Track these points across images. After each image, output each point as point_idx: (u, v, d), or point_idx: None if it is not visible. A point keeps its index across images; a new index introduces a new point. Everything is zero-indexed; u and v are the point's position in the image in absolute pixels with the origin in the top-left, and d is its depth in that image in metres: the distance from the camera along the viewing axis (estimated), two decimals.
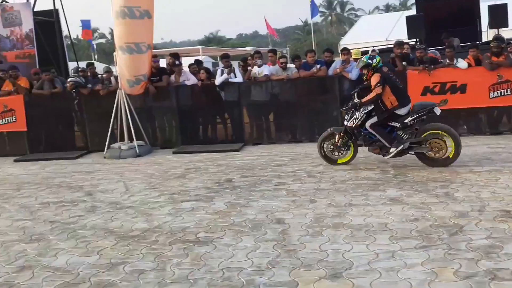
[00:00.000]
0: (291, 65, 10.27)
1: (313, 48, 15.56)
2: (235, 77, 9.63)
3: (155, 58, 10.32)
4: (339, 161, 7.24)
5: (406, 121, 6.63)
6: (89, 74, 10.76)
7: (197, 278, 3.71)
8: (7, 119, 10.04)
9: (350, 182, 6.25)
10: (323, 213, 5.05)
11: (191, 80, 9.89)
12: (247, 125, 10.01)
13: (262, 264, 3.86)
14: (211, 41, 59.30)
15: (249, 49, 23.90)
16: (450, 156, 6.60)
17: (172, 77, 10.00)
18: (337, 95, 9.41)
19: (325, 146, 7.27)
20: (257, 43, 55.46)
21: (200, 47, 21.81)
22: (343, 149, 7.19)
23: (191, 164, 8.18)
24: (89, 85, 10.05)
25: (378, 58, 6.86)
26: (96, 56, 25.13)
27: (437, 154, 6.64)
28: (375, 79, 6.67)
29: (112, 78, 10.16)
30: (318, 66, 9.44)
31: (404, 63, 9.07)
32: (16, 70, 10.32)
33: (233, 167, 7.66)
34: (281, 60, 9.91)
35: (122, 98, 9.31)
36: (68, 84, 9.96)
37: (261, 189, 6.19)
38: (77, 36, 38.15)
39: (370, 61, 6.78)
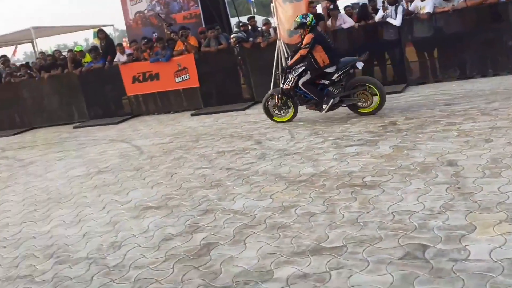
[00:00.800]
0: None
1: None
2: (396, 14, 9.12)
3: (312, 4, 10.23)
4: (279, 119, 7.88)
5: (333, 78, 7.14)
6: (249, 27, 11.13)
7: (367, 221, 3.75)
8: (182, 77, 10.97)
9: None
10: (501, 153, 4.66)
11: (347, 23, 9.64)
12: (410, 64, 9.51)
13: (435, 208, 3.74)
14: None
15: None
16: (377, 105, 7.17)
17: (328, 22, 9.85)
18: (511, 23, 8.40)
19: (269, 105, 7.87)
20: None
21: None
22: (284, 108, 7.78)
23: None
24: (251, 39, 10.42)
25: (311, 16, 7.27)
26: (255, 10, 25.79)
27: (365, 104, 7.22)
28: (306, 40, 7.08)
29: (271, 30, 10.40)
30: None
31: None
32: (187, 30, 11.13)
33: (396, 109, 7.41)
34: None
35: (282, 48, 9.48)
36: (231, 40, 10.46)
37: (429, 131, 5.91)
38: None
39: (304, 20, 7.14)
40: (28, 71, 13.11)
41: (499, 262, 2.86)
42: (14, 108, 13.26)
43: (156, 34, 12.46)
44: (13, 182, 7.16)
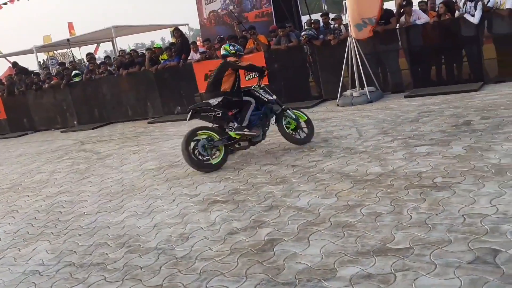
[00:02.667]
0: None
1: None
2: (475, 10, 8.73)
3: None
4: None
5: None
6: (321, 24, 11.06)
7: (435, 223, 3.64)
8: (252, 75, 11.04)
9: None
10: None
11: (422, 18, 9.36)
12: (487, 62, 9.06)
13: (509, 212, 3.56)
14: None
15: None
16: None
17: (402, 18, 9.60)
18: None
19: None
20: None
21: None
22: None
23: (424, 108, 7.86)
24: (321, 36, 10.36)
25: None
26: (326, 7, 25.56)
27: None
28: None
29: (342, 26, 10.29)
30: None
31: None
32: (254, 30, 11.24)
33: (471, 109, 7.10)
34: None
35: (353, 45, 9.36)
36: (302, 38, 10.45)
37: (506, 131, 5.61)
38: None
39: (237, 46, 7.32)
40: (108, 68, 13.81)
41: None
42: (94, 103, 14.02)
43: (222, 35, 12.64)
44: (91, 174, 7.58)
